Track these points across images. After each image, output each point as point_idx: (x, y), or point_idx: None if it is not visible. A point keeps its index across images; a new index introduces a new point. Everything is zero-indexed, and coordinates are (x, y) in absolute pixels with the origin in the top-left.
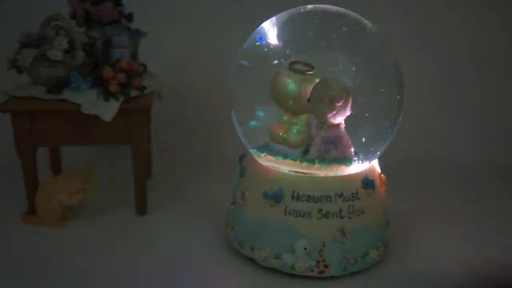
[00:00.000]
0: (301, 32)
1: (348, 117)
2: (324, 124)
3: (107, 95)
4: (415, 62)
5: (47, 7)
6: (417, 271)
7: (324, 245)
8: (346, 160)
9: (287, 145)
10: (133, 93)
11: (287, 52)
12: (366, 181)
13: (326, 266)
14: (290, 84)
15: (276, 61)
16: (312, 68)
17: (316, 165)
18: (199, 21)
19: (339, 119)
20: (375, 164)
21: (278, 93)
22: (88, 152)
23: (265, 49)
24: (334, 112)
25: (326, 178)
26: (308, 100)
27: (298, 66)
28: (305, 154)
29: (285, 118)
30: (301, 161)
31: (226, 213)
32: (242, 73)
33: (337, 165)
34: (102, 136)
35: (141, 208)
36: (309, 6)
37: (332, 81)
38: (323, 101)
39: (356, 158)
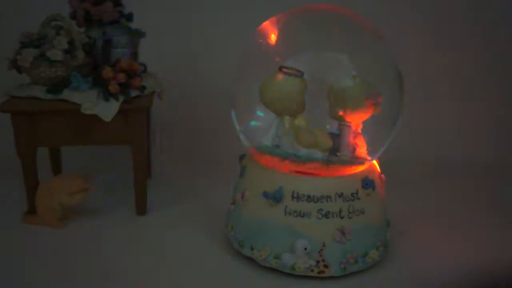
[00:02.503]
0: (301, 32)
1: None
2: (350, 123)
3: (107, 95)
4: (415, 62)
5: (47, 7)
6: (417, 271)
7: (324, 245)
8: (361, 159)
9: (320, 148)
10: (133, 93)
11: (287, 51)
12: (366, 181)
13: (326, 266)
14: (294, 86)
15: (280, 55)
16: (301, 73)
17: (349, 165)
18: (199, 21)
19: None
20: (375, 164)
21: (281, 95)
22: (88, 152)
23: (265, 49)
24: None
25: (326, 178)
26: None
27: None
28: (332, 155)
29: (287, 121)
30: (334, 162)
31: (226, 213)
32: (242, 73)
33: (358, 164)
34: (102, 136)
35: (141, 208)
36: (309, 6)
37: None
38: (371, 100)
39: (370, 157)
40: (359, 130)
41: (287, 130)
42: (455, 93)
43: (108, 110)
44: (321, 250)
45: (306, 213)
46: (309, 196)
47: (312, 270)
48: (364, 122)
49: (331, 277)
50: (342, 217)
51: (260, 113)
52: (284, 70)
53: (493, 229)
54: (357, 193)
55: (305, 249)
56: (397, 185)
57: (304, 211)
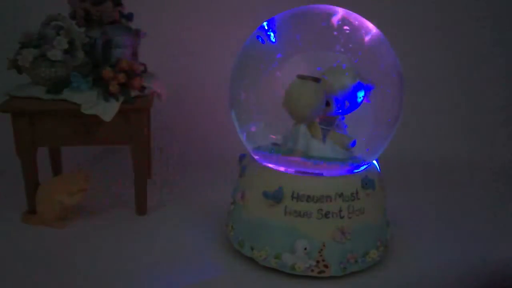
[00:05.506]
0: (302, 31)
1: (348, 116)
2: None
3: (107, 95)
4: (415, 62)
5: (47, 7)
6: (417, 271)
7: (324, 245)
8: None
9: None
10: (133, 93)
11: (287, 51)
12: (366, 181)
13: (326, 266)
14: (311, 90)
15: (280, 55)
16: (317, 79)
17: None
18: (199, 21)
19: None
20: (375, 164)
21: (312, 103)
22: (88, 152)
23: (265, 49)
24: None
25: (326, 178)
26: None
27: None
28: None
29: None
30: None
31: (226, 213)
32: (241, 73)
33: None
34: (102, 136)
35: (141, 208)
36: (310, 6)
37: None
38: (364, 81)
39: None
40: None
41: (316, 135)
42: (455, 93)
43: (108, 110)
44: (321, 250)
45: (306, 213)
46: (309, 196)
47: (312, 270)
48: (364, 122)
49: (331, 277)
50: (342, 217)
51: (260, 114)
52: (301, 76)
53: (493, 229)
54: (357, 193)
55: (305, 249)
56: (397, 185)
57: (304, 211)
